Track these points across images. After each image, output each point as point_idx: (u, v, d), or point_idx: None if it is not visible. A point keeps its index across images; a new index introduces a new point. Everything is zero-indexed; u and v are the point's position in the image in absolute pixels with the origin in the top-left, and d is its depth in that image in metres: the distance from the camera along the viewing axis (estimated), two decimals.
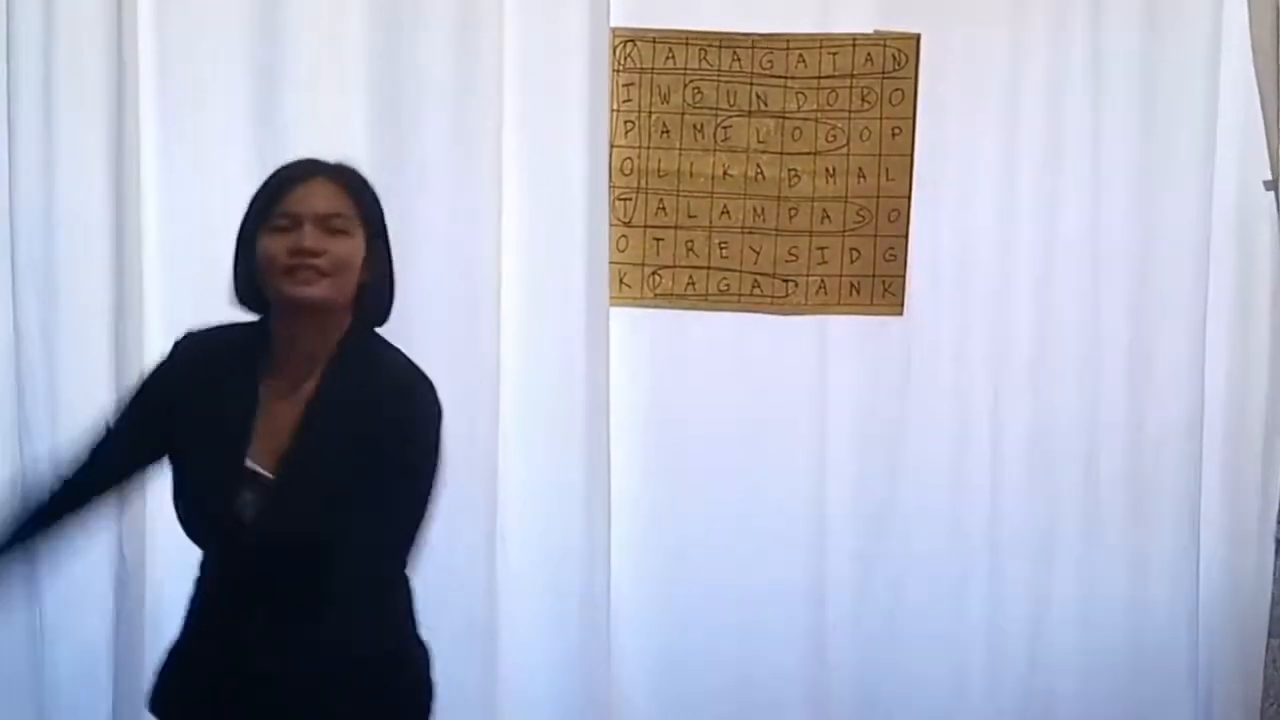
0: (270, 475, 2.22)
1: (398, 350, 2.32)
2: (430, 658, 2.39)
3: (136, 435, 2.34)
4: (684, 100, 3.53)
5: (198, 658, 2.33)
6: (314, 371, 2.26)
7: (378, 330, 2.34)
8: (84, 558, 3.33)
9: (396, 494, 2.21)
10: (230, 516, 2.22)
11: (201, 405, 2.27)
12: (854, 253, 3.58)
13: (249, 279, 2.28)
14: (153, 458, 2.34)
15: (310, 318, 2.25)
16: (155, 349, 3.34)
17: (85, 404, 3.32)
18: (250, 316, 2.33)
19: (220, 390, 2.27)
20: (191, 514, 2.29)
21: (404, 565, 2.29)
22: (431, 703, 2.38)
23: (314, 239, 2.21)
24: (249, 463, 2.22)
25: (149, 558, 3.37)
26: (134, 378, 3.31)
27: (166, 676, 2.37)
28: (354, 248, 2.25)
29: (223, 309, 3.36)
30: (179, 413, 2.28)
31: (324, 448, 2.22)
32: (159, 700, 2.37)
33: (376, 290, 2.31)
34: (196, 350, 2.34)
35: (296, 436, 2.23)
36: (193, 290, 3.38)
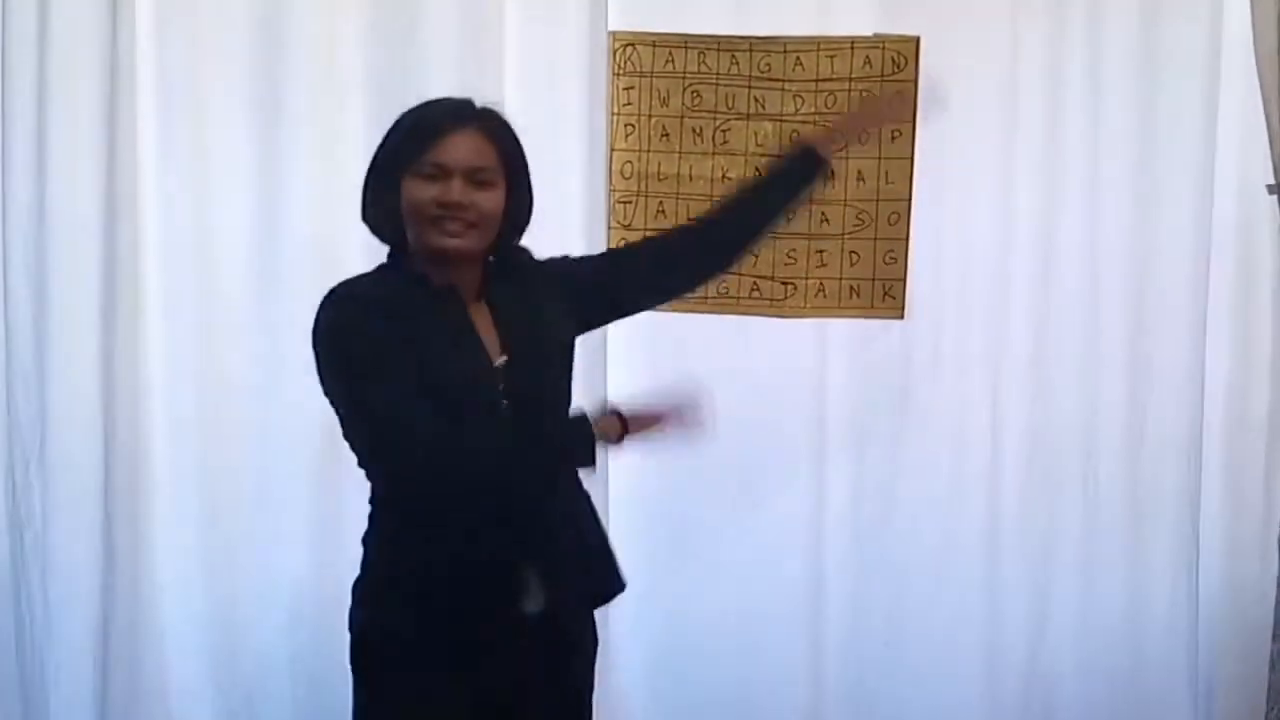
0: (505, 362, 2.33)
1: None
2: None
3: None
4: (683, 103, 3.53)
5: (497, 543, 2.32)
6: (470, 289, 2.36)
7: None
8: (71, 557, 3.38)
9: (592, 260, 2.67)
10: (495, 405, 2.30)
11: (423, 327, 2.29)
12: (853, 256, 3.58)
13: (385, 211, 2.33)
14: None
15: (455, 261, 2.33)
16: (148, 349, 3.40)
17: (76, 403, 3.35)
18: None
19: (429, 311, 2.31)
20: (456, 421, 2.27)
21: None
22: None
23: (462, 192, 2.28)
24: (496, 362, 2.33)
25: (138, 558, 3.39)
26: (125, 377, 3.38)
27: (433, 583, 2.32)
28: (498, 199, 2.33)
29: (222, 310, 3.43)
30: (398, 345, 2.25)
31: (527, 326, 2.38)
32: (425, 614, 2.33)
33: (511, 232, 2.40)
34: (364, 292, 2.32)
35: (502, 327, 2.35)
36: (188, 290, 3.41)
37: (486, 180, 2.31)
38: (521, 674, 2.37)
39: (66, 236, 3.34)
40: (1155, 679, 3.67)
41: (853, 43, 3.53)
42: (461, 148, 2.29)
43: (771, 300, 3.58)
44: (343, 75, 3.42)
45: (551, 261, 2.52)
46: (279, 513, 3.44)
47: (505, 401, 2.31)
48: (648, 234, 3.55)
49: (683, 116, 3.54)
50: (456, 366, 2.29)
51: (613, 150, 3.52)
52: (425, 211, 2.28)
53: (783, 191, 2.63)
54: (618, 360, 3.52)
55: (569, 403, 2.44)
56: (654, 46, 3.52)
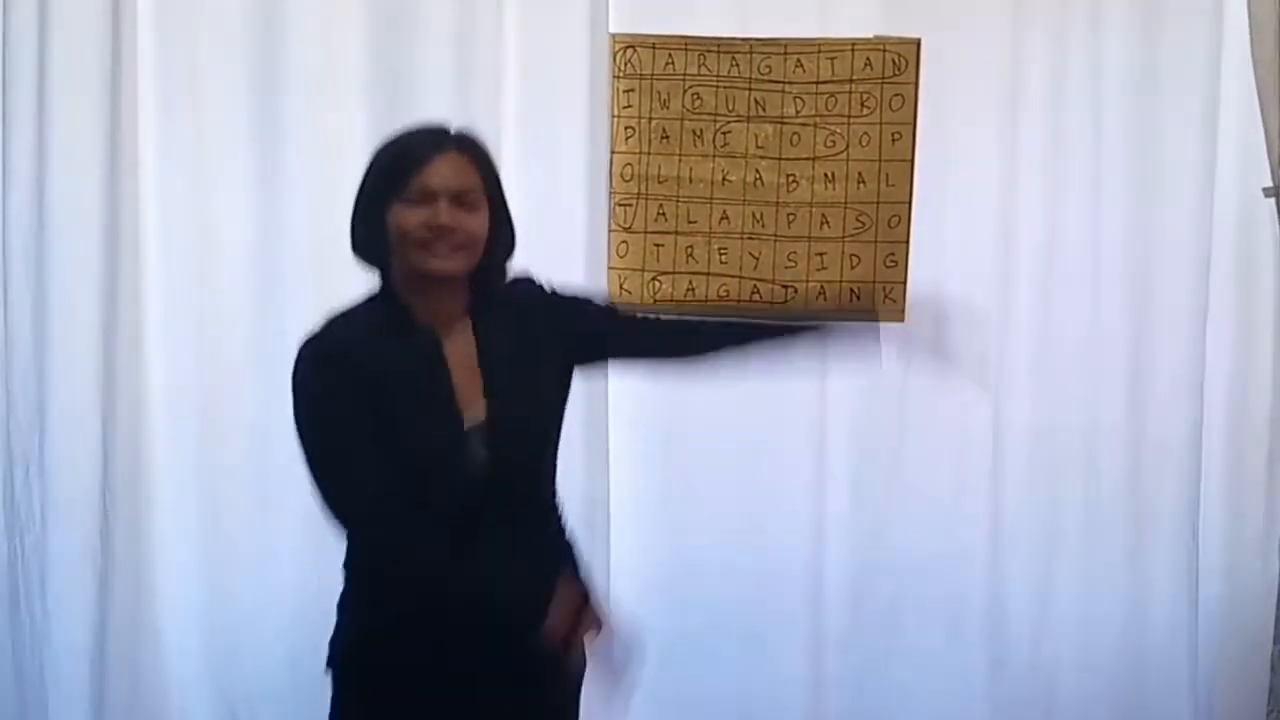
0: (478, 420, 2.33)
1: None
2: None
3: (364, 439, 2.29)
4: (683, 106, 3.53)
5: (430, 595, 2.32)
6: (455, 322, 2.38)
7: None
8: (70, 559, 3.38)
9: (599, 312, 2.64)
10: (468, 469, 2.31)
11: (390, 380, 2.29)
12: (854, 258, 3.58)
13: (373, 241, 2.34)
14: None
15: (443, 286, 2.35)
16: (148, 353, 3.39)
17: (75, 405, 3.35)
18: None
19: (401, 358, 2.31)
20: (422, 474, 2.29)
21: None
22: None
23: (449, 215, 2.30)
24: (466, 417, 2.32)
25: (137, 559, 3.39)
26: (124, 379, 3.38)
27: (395, 632, 2.35)
28: (483, 220, 2.36)
29: (221, 310, 3.43)
30: (368, 404, 2.27)
31: (515, 370, 2.38)
32: (384, 660, 2.36)
33: (497, 255, 2.42)
34: (334, 344, 2.33)
35: (487, 368, 2.37)
36: (188, 294, 3.41)
37: (471, 202, 2.33)
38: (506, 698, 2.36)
39: (66, 238, 3.34)
40: (1155, 679, 3.67)
41: (853, 45, 3.53)
42: (445, 171, 2.31)
43: (772, 303, 3.58)
44: (342, 77, 3.42)
45: (563, 298, 2.55)
46: (278, 513, 3.44)
47: (484, 450, 2.32)
48: (648, 235, 3.56)
49: (683, 119, 3.54)
50: (422, 436, 2.29)
51: (613, 153, 3.52)
52: (414, 236, 2.30)
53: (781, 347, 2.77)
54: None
55: (555, 442, 2.47)
56: (654, 49, 3.52)
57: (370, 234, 2.35)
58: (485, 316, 2.40)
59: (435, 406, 2.31)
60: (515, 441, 2.36)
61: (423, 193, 2.30)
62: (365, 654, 2.38)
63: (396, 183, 2.31)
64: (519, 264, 3.37)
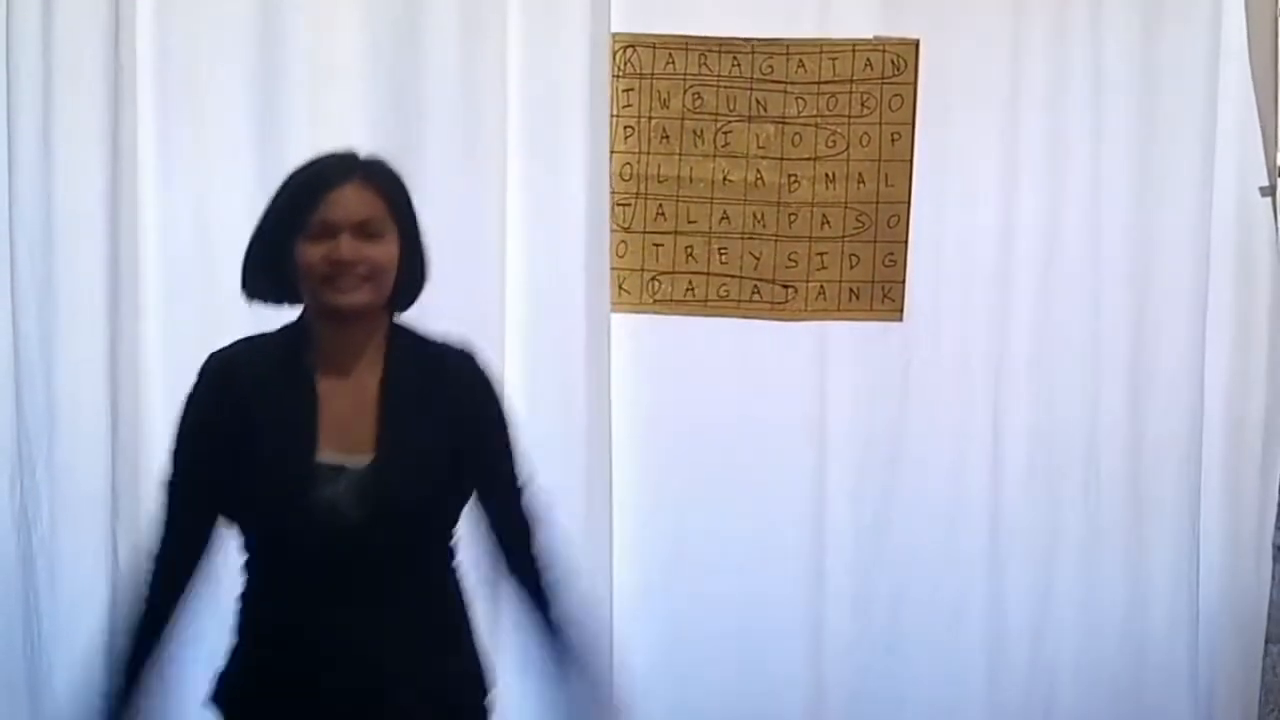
0: (361, 464, 2.22)
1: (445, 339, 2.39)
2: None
3: (204, 477, 2.29)
4: (684, 105, 3.53)
5: (290, 649, 2.28)
6: (363, 360, 2.29)
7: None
8: (78, 558, 3.37)
9: (504, 457, 2.36)
10: (323, 509, 2.20)
11: (257, 413, 2.25)
12: (853, 258, 3.58)
13: (274, 278, 2.28)
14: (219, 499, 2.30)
15: (353, 320, 2.27)
16: (153, 352, 3.38)
17: (82, 405, 3.34)
18: (262, 312, 2.36)
19: (273, 394, 2.26)
20: (266, 518, 2.25)
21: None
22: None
23: (351, 249, 2.21)
24: (324, 456, 2.22)
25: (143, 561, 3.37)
26: (131, 379, 3.37)
27: (240, 674, 2.35)
28: (390, 250, 2.26)
29: (221, 311, 3.41)
30: (232, 430, 2.25)
31: (414, 423, 2.25)
32: (230, 698, 2.36)
33: (409, 283, 2.32)
34: (229, 366, 2.32)
35: (383, 420, 2.25)
36: (191, 292, 3.39)
37: (375, 232, 2.23)
38: None
39: (72, 240, 3.33)
40: (1155, 679, 3.67)
41: (854, 45, 3.53)
42: (346, 202, 2.22)
43: (772, 303, 3.58)
44: (343, 76, 3.41)
45: (492, 404, 2.37)
46: None
47: (349, 503, 2.20)
48: (647, 235, 3.56)
49: (683, 118, 3.54)
50: (269, 470, 2.22)
51: (613, 152, 3.52)
52: (317, 271, 2.21)
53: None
54: (620, 363, 3.51)
55: (446, 522, 2.33)
56: (654, 48, 3.52)
57: (270, 270, 2.27)
58: (401, 360, 2.30)
59: (291, 440, 2.22)
60: (397, 492, 2.22)
61: (323, 226, 2.21)
62: (233, 693, 2.37)
63: (296, 217, 2.23)
64: (522, 264, 3.47)
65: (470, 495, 2.34)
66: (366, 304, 2.25)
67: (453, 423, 2.28)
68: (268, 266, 2.28)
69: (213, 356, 2.33)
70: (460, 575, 2.37)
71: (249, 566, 2.33)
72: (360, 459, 2.23)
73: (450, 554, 2.36)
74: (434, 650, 2.30)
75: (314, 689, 2.24)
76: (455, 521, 2.34)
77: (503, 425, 2.37)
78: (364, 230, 2.23)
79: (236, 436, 2.23)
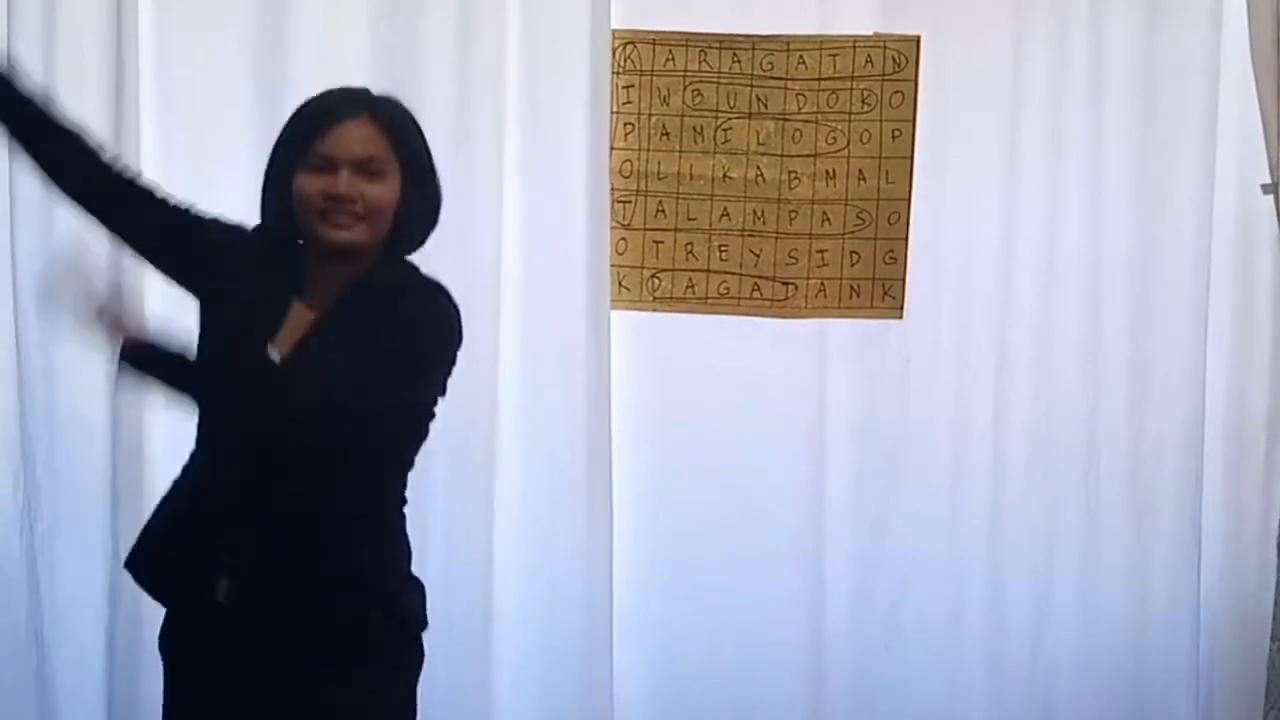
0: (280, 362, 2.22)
1: (421, 273, 2.35)
2: (423, 595, 2.38)
3: (185, 226, 2.36)
4: (684, 102, 3.52)
5: (189, 540, 2.28)
6: (340, 289, 2.29)
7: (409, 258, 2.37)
8: (80, 557, 3.36)
9: (404, 397, 2.26)
10: (245, 400, 2.21)
11: (244, 290, 2.28)
12: (854, 255, 3.58)
13: (281, 210, 2.29)
14: (180, 263, 2.38)
15: (343, 255, 2.27)
16: None
17: (84, 405, 3.33)
18: None
19: (261, 288, 2.29)
20: (211, 395, 2.30)
21: (403, 482, 2.35)
22: (419, 640, 2.37)
23: (349, 184, 2.22)
24: (269, 350, 2.22)
25: None
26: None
27: (152, 542, 2.36)
28: (389, 191, 2.26)
29: None
30: (227, 278, 2.29)
31: (333, 338, 2.23)
32: (139, 564, 2.38)
33: (409, 225, 2.31)
34: (247, 243, 2.36)
35: (310, 330, 2.25)
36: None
37: (377, 171, 2.24)
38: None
39: (73, 240, 3.32)
40: (1156, 678, 3.67)
41: (854, 42, 3.52)
42: (349, 138, 2.23)
43: (772, 300, 3.57)
44: (343, 74, 3.37)
45: (413, 303, 2.31)
46: None
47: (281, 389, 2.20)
48: (647, 233, 3.55)
49: (683, 115, 3.53)
50: (232, 344, 2.25)
51: (612, 149, 3.51)
52: (313, 204, 2.23)
53: None
54: (620, 360, 3.51)
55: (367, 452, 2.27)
56: (655, 45, 3.51)
57: (277, 201, 2.29)
58: (361, 288, 2.28)
59: (257, 326, 2.24)
60: (289, 395, 2.18)
61: (324, 159, 2.22)
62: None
63: (299, 148, 2.25)
64: (522, 261, 3.46)
65: (398, 433, 2.30)
66: (356, 243, 2.25)
67: (369, 340, 2.20)
68: (275, 195, 2.30)
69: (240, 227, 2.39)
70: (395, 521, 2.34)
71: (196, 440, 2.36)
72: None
73: (383, 498, 2.32)
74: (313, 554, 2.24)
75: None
76: (378, 451, 2.27)
77: (411, 369, 2.26)
78: (364, 168, 2.24)
79: (223, 295, 2.29)
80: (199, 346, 2.33)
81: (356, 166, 2.23)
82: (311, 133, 2.24)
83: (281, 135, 2.30)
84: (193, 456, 2.36)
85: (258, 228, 2.38)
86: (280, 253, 2.32)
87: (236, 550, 2.22)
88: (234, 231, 2.39)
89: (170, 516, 2.34)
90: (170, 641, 2.40)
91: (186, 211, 2.39)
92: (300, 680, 2.24)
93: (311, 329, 2.26)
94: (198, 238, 2.36)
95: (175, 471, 3.27)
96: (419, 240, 2.36)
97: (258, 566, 2.23)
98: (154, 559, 2.35)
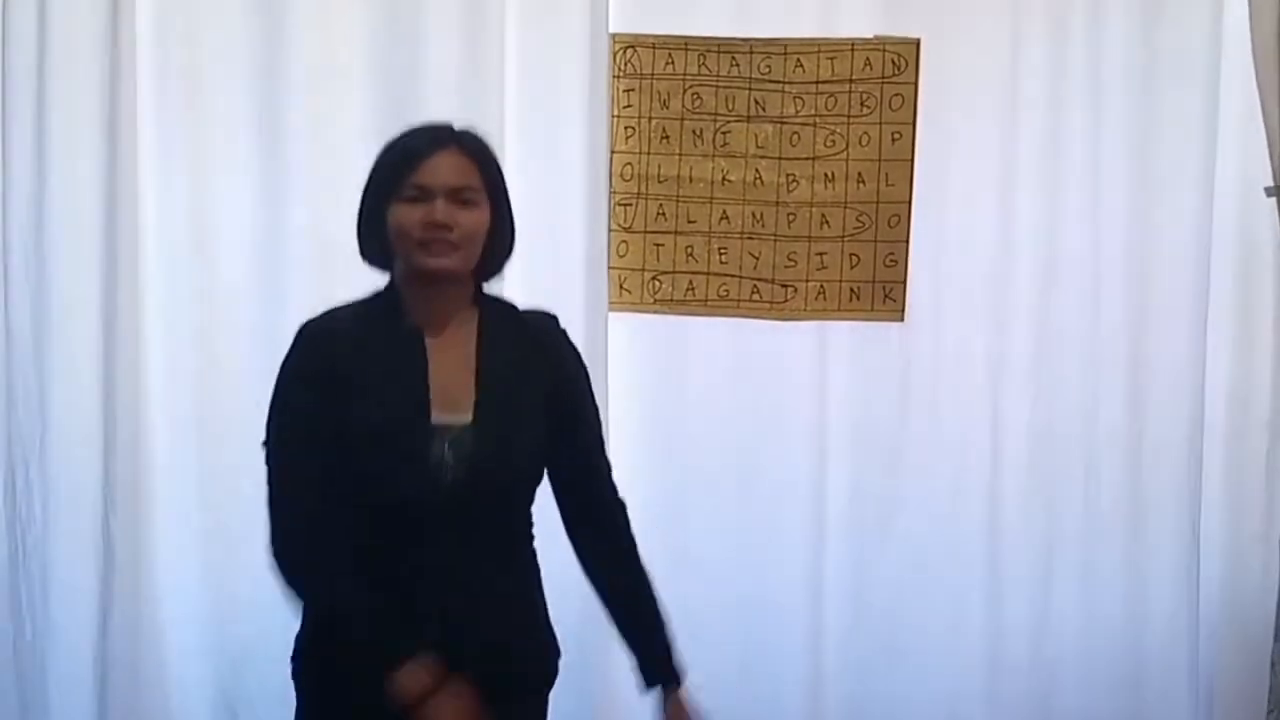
0: (461, 423, 2.28)
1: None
2: None
3: (318, 432, 2.27)
4: (683, 105, 3.54)
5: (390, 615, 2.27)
6: (454, 322, 2.34)
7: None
8: (71, 558, 3.38)
9: (591, 424, 2.44)
10: (432, 469, 2.25)
11: (368, 372, 2.28)
12: (854, 258, 3.58)
13: (377, 242, 2.34)
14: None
15: (442, 284, 2.32)
16: (147, 351, 3.40)
17: (76, 405, 3.36)
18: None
19: (380, 353, 2.30)
20: (384, 476, 2.27)
21: None
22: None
23: (446, 213, 2.27)
24: (435, 417, 2.28)
25: (138, 559, 3.39)
26: (125, 378, 3.37)
27: (329, 644, 2.34)
28: (481, 218, 2.32)
29: (221, 309, 3.43)
30: (340, 390, 2.27)
31: (510, 385, 2.32)
32: (323, 671, 2.37)
33: (498, 252, 2.39)
34: (329, 328, 2.34)
35: (480, 381, 2.31)
36: (188, 291, 3.41)
37: (470, 200, 2.30)
38: None
39: (66, 238, 3.35)
40: (1156, 679, 3.67)
41: (853, 45, 3.53)
42: (443, 168, 2.29)
43: (772, 303, 3.58)
44: (343, 76, 3.43)
45: (575, 360, 2.45)
46: None
47: (451, 462, 2.26)
48: (648, 235, 3.56)
49: (683, 118, 3.55)
50: (386, 427, 2.25)
51: (612, 152, 3.52)
52: (411, 234, 2.28)
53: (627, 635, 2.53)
54: (619, 362, 3.52)
55: (532, 479, 2.38)
56: (654, 48, 3.52)
57: (373, 235, 2.34)
58: (495, 323, 2.37)
59: (406, 399, 2.28)
60: (495, 449, 2.29)
61: (420, 190, 2.29)
62: (313, 658, 2.39)
63: (395, 181, 2.30)
64: (521, 263, 3.45)
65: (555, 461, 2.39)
66: (457, 269, 2.31)
67: (547, 384, 2.36)
68: (370, 231, 2.34)
69: (310, 324, 2.34)
70: (534, 549, 2.43)
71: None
72: (461, 418, 2.28)
73: (530, 525, 2.41)
74: (511, 615, 2.36)
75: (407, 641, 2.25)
76: (537, 486, 2.39)
77: (592, 392, 2.46)
78: (458, 196, 2.29)
79: (344, 396, 2.25)
80: (350, 446, 2.27)
81: (451, 195, 2.29)
82: (404, 166, 2.30)
83: (372, 174, 2.34)
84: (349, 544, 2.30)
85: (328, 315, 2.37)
86: (374, 311, 2.35)
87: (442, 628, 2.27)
88: (312, 360, 2.32)
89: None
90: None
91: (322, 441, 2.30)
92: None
93: (478, 377, 2.31)
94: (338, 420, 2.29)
95: (171, 471, 3.29)
96: (501, 267, 2.43)
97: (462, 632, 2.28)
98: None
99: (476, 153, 2.35)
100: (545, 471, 2.39)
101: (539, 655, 2.44)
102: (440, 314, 2.34)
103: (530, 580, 2.43)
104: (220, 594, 3.47)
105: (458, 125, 2.37)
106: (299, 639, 2.42)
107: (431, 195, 2.28)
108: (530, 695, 2.42)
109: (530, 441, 2.34)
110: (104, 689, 3.40)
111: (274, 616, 3.47)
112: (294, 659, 2.43)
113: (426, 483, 2.26)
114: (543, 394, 2.35)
